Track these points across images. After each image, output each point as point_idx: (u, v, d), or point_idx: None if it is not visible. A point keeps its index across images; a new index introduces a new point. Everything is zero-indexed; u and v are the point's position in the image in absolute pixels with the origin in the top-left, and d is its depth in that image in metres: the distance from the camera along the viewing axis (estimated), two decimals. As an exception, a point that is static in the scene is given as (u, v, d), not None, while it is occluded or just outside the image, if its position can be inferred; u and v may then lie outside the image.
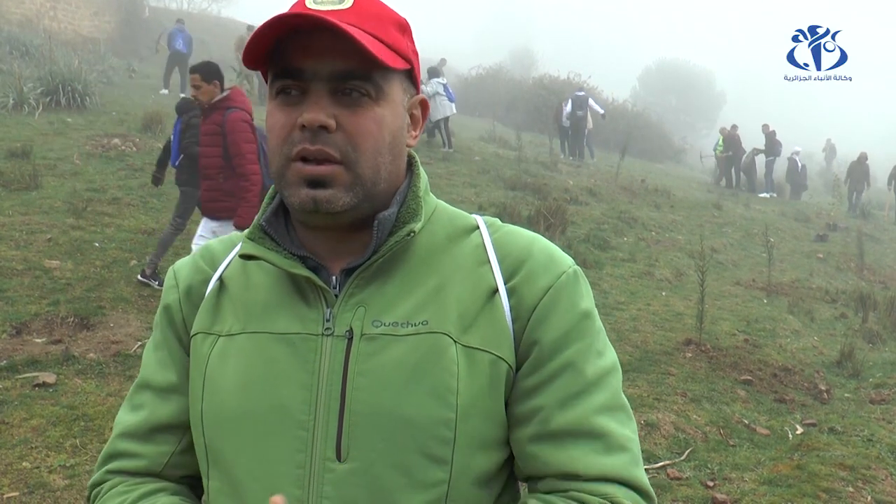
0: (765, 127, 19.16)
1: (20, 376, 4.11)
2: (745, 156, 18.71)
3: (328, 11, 0.81)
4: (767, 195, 18.21)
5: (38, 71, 12.28)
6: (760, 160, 18.92)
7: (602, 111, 19.26)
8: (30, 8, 19.60)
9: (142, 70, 18.81)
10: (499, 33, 49.58)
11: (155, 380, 0.94)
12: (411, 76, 0.89)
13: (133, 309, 5.26)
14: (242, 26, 20.49)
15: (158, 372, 0.94)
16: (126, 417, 0.95)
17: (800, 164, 20.11)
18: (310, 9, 0.81)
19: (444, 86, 13.75)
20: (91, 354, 4.52)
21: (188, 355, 0.94)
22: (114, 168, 8.75)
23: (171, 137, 5.76)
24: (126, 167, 8.90)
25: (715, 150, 19.87)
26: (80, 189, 7.78)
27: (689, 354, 5.76)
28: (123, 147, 9.65)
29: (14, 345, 4.53)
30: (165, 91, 15.65)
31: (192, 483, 0.96)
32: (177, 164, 5.69)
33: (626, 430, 0.85)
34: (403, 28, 0.88)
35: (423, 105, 0.92)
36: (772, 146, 18.69)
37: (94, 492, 0.94)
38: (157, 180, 6.14)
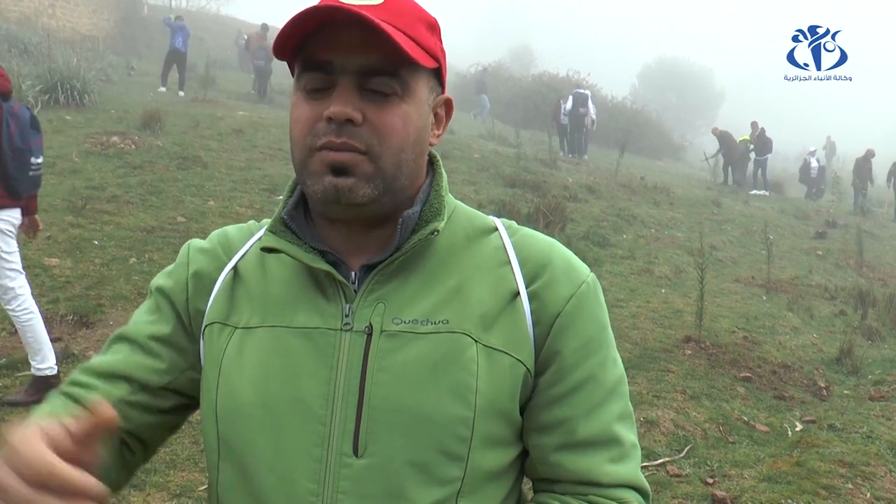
0: (754, 125, 19.03)
1: (20, 374, 4.11)
2: (739, 153, 18.65)
3: (361, 7, 0.81)
4: (760, 193, 18.10)
5: (37, 69, 12.25)
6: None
7: (594, 117, 18.31)
8: (28, 6, 19.61)
9: (140, 68, 18.81)
10: (498, 31, 49.63)
11: (135, 335, 0.94)
12: (438, 75, 0.89)
13: (132, 307, 5.25)
14: (241, 24, 20.52)
15: (142, 331, 0.94)
16: (96, 358, 0.95)
17: (814, 165, 19.84)
18: (343, 4, 0.81)
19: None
20: (91, 352, 4.52)
21: (182, 328, 0.94)
22: (113, 166, 8.74)
23: None
24: (125, 165, 8.89)
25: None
26: (80, 187, 7.76)
27: (689, 352, 5.77)
28: (122, 145, 9.62)
29: (14, 342, 4.52)
30: (163, 89, 15.65)
31: (125, 440, 0.92)
32: None
33: (633, 435, 0.91)
34: (432, 27, 0.88)
35: (448, 105, 0.93)
36: (762, 144, 18.57)
37: None
38: None
